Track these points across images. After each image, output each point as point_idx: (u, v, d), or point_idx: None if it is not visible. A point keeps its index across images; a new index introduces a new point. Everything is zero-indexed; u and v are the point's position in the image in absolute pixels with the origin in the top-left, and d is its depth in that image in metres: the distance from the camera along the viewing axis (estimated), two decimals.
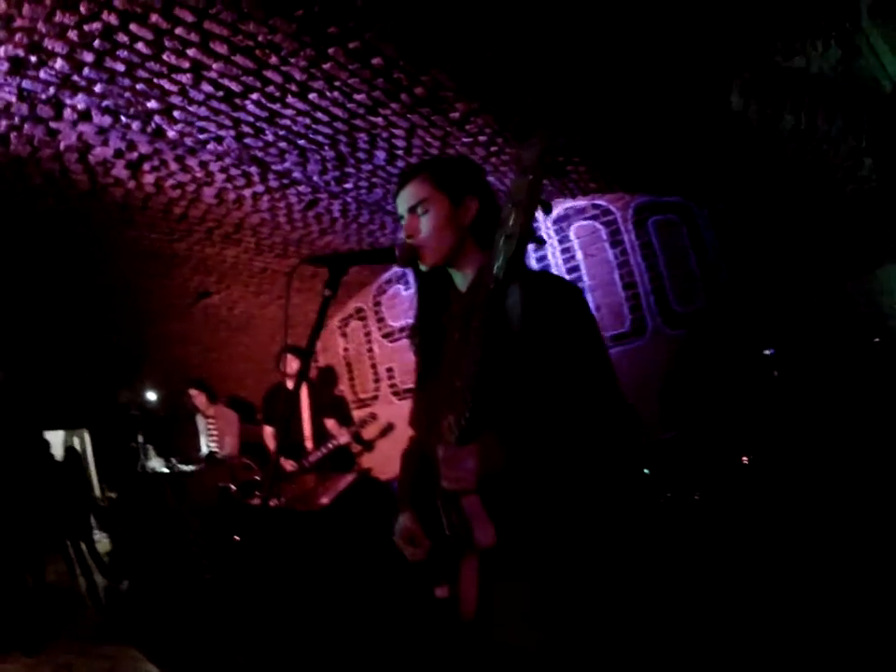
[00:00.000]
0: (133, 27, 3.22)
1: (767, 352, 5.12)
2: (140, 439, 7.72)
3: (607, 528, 1.81)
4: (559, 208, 6.94)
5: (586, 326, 1.86)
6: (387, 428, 8.49)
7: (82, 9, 3.05)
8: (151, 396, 8.27)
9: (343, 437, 7.06)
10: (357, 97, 4.19)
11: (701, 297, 6.35)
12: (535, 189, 1.36)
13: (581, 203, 6.84)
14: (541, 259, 7.15)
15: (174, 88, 3.82)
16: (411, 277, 8.24)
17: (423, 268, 2.05)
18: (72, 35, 3.23)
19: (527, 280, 1.84)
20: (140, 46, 3.38)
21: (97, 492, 9.30)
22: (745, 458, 4.64)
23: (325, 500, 6.07)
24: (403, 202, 2.06)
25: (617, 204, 6.70)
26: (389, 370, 8.77)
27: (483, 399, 1.66)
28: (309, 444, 6.94)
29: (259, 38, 3.44)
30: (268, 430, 7.25)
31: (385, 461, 8.24)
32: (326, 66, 3.78)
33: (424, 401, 2.23)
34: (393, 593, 4.37)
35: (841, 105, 3.59)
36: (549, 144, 1.36)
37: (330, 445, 6.92)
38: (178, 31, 3.31)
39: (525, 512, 1.74)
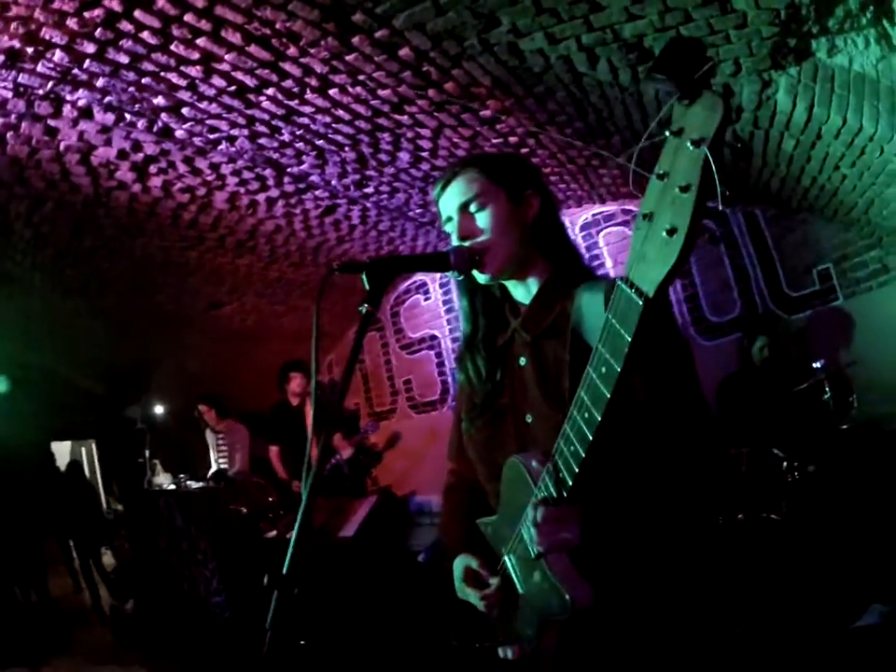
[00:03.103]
0: (137, 14, 2.90)
1: (817, 364, 4.78)
2: (146, 454, 7.44)
3: (700, 580, 1.60)
4: (587, 214, 6.61)
5: (687, 352, 1.60)
6: (394, 438, 8.27)
7: None
8: (159, 409, 7.97)
9: (346, 451, 6.83)
10: (382, 93, 3.85)
11: (736, 305, 6.07)
12: (710, 166, 0.97)
13: (610, 208, 6.52)
14: None
15: (182, 82, 3.50)
16: (433, 287, 7.96)
17: (483, 277, 1.72)
18: (71, 23, 2.91)
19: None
20: (146, 35, 3.05)
21: (103, 505, 9.09)
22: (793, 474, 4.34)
23: (348, 533, 5.73)
24: (453, 199, 1.74)
25: None
26: (407, 382, 8.47)
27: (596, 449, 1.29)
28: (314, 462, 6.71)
29: (277, 26, 3.11)
30: (273, 450, 7.00)
31: (400, 475, 8.00)
32: (349, 58, 3.44)
33: (476, 435, 1.86)
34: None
35: (885, 104, 3.32)
36: (728, 109, 0.99)
37: (332, 461, 6.67)
38: (188, 17, 2.98)
39: (628, 568, 1.51)
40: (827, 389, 4.69)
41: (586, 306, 1.57)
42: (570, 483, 1.33)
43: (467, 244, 1.69)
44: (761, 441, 4.57)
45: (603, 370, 1.20)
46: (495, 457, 1.74)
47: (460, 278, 1.74)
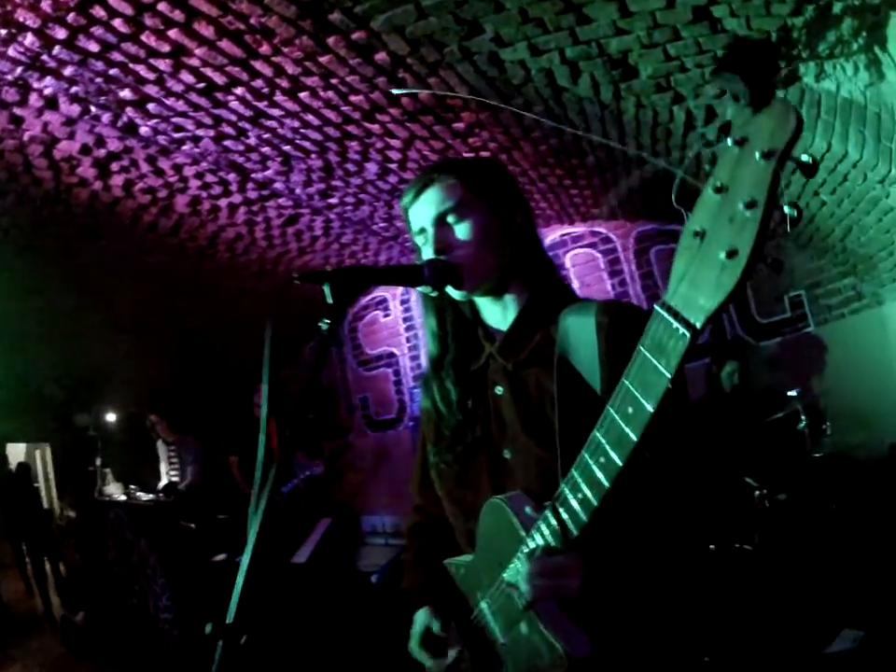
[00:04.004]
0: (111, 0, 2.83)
1: (792, 392, 4.78)
2: (98, 462, 7.30)
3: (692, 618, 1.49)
4: (555, 234, 6.62)
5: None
6: (354, 456, 8.22)
7: None
8: (112, 417, 7.82)
9: (316, 468, 6.79)
10: (354, 99, 3.79)
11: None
12: (779, 182, 0.86)
13: (578, 229, 6.54)
14: None
15: (151, 76, 3.41)
16: (394, 304, 7.89)
17: (458, 294, 1.57)
18: (45, 5, 2.82)
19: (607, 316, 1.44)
20: (117, 23, 2.97)
21: (56, 510, 8.94)
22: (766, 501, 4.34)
23: (301, 559, 5.62)
24: (428, 208, 1.56)
25: (617, 232, 6.40)
26: (363, 399, 8.36)
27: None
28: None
29: (252, 21, 3.04)
30: (233, 460, 6.89)
31: (353, 493, 7.94)
32: (323, 60, 3.38)
33: (445, 471, 1.70)
34: None
35: (871, 131, 3.35)
36: (801, 120, 0.87)
37: (302, 476, 6.62)
38: (161, 6, 2.90)
39: (624, 612, 1.37)
40: (803, 418, 4.69)
41: (573, 332, 1.47)
42: (576, 534, 1.21)
43: (443, 257, 1.53)
44: (732, 470, 4.56)
45: (630, 409, 1.05)
46: (466, 495, 1.63)
47: (433, 294, 1.58)
